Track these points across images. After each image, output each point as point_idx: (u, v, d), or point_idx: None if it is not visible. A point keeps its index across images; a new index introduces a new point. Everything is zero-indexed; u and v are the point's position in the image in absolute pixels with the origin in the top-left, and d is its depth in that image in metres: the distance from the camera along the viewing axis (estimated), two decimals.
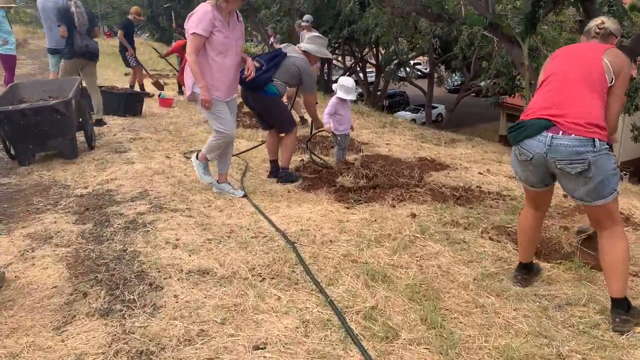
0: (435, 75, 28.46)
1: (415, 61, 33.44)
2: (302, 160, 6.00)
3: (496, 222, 4.12)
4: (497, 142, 30.45)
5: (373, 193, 4.87)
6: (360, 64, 31.39)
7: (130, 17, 10.87)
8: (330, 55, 5.27)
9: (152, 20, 34.53)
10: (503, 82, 21.33)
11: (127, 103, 8.32)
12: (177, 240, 3.53)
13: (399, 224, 4.01)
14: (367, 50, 30.44)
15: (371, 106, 30.35)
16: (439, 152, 6.92)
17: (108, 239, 3.60)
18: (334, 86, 5.78)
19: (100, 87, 8.99)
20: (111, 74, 15.18)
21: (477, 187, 5.16)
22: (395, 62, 26.20)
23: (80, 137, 6.08)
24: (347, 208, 4.42)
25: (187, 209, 4.18)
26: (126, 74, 14.97)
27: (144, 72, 11.21)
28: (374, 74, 32.20)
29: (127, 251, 3.37)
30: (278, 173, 5.19)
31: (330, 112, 5.67)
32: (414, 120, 33.95)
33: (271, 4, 18.49)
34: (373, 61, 31.46)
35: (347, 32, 21.52)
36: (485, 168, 5.96)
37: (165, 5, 28.34)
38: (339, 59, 33.36)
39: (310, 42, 5.10)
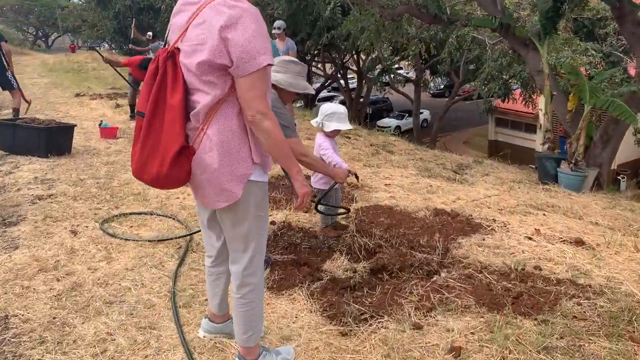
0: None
1: (396, 66, 31.96)
2: (273, 222, 4.22)
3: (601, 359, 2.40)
4: (487, 148, 29.22)
5: (382, 294, 3.11)
6: (342, 71, 29.79)
7: None
8: (312, 91, 3.47)
9: (120, 32, 32.57)
10: (496, 86, 19.86)
11: (49, 139, 6.45)
12: None
13: None
14: (348, 56, 28.84)
15: (354, 114, 28.90)
16: (457, 195, 5.18)
17: None
18: (314, 122, 3.99)
19: (14, 119, 7.14)
20: (59, 94, 13.25)
21: (535, 267, 3.43)
22: (378, 68, 24.67)
23: None
24: (344, 335, 2.65)
25: None
26: (77, 95, 13.07)
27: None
28: (356, 80, 30.68)
29: None
30: None
31: (334, 149, 3.89)
32: (398, 127, 32.58)
33: None
34: (355, 67, 29.87)
35: (326, 39, 19.87)
36: (531, 226, 4.24)
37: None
38: (319, 66, 31.76)
39: (282, 69, 3.28)
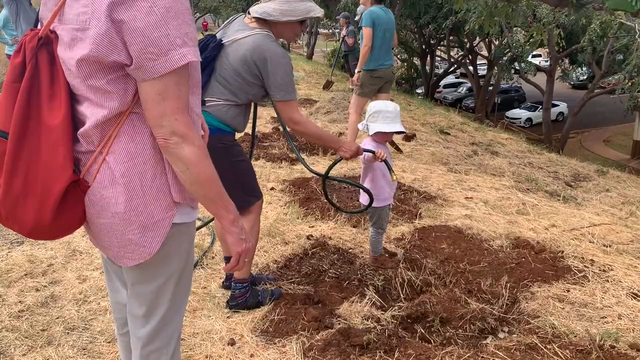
0: (558, 68, 24.42)
1: (535, 52, 29.29)
2: (310, 237, 3.58)
3: None
4: (631, 150, 25.92)
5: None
6: (470, 56, 27.92)
7: None
8: (319, 12, 2.62)
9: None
10: None
11: None
12: None
13: None
14: (478, 40, 26.92)
15: (480, 103, 27.02)
16: (554, 220, 4.16)
17: None
18: (360, 125, 3.23)
19: None
20: None
21: (631, 346, 2.46)
22: (508, 54, 22.71)
23: None
24: None
25: None
26: None
27: None
28: (487, 66, 28.62)
29: None
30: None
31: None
32: (529, 119, 30.08)
33: None
34: (485, 53, 27.86)
35: (450, 22, 18.53)
36: None
37: None
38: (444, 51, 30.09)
39: None
